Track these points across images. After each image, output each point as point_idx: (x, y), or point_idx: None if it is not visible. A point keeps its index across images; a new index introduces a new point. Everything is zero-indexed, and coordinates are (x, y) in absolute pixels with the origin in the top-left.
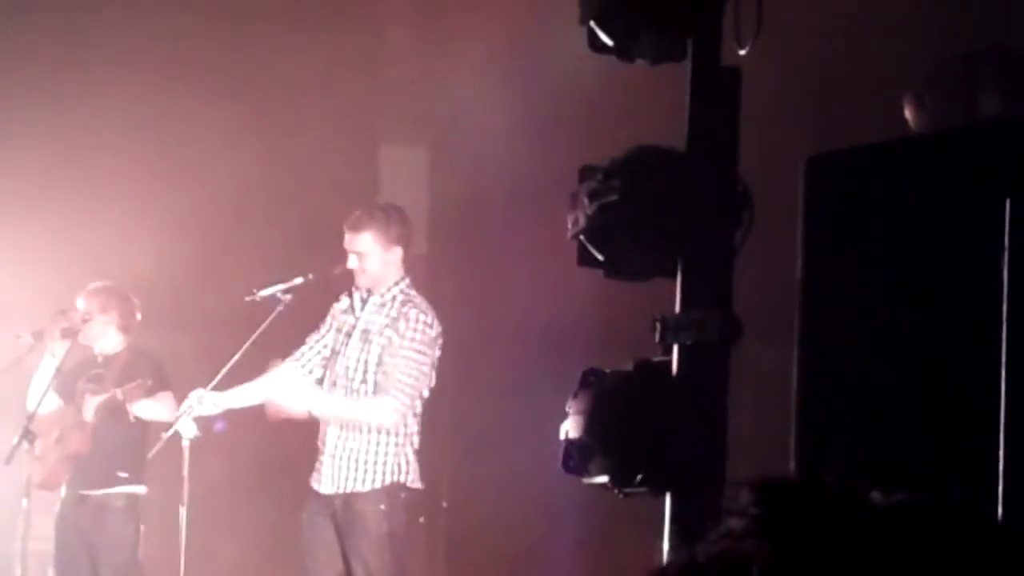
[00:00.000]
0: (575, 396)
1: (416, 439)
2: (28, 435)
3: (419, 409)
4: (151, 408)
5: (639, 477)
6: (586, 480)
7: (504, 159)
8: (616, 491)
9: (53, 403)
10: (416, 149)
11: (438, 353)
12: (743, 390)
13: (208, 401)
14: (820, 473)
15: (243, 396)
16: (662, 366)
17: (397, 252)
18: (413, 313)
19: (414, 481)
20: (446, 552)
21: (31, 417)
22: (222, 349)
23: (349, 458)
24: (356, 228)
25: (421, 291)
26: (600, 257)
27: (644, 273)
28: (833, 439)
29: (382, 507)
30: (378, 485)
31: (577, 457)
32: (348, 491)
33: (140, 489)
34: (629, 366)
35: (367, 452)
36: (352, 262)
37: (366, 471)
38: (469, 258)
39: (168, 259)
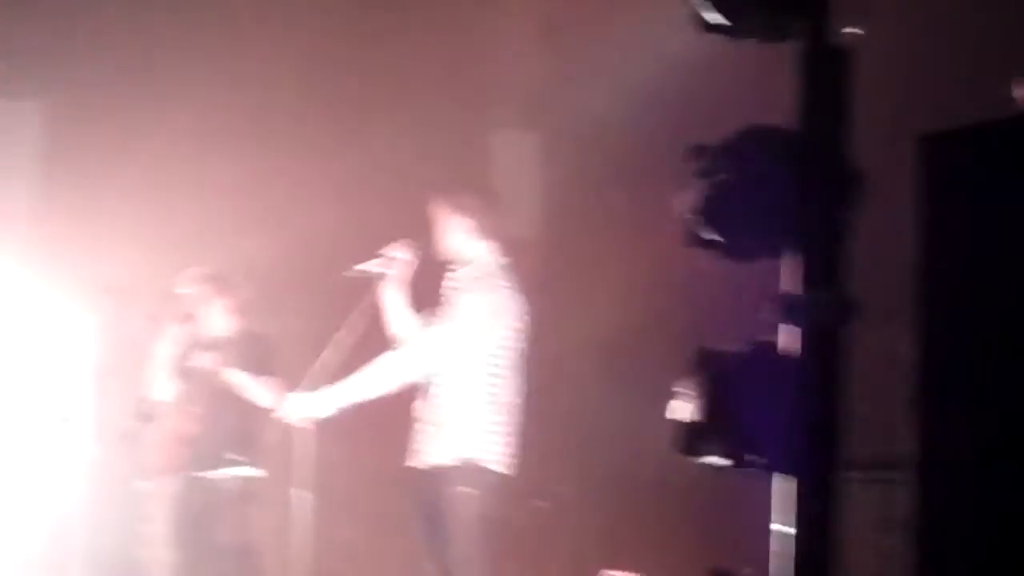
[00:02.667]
0: (688, 376)
1: (503, 423)
2: (144, 418)
3: (503, 393)
4: (254, 390)
5: (751, 457)
6: (699, 460)
7: (615, 141)
8: (728, 472)
9: (168, 386)
10: (528, 134)
11: (503, 331)
12: (853, 371)
13: (316, 406)
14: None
15: (354, 391)
16: (774, 346)
17: (470, 224)
18: (482, 284)
19: (499, 465)
20: (564, 537)
21: (147, 400)
22: (330, 329)
23: (430, 429)
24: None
25: (531, 274)
26: (710, 237)
27: (755, 253)
28: (950, 419)
29: (470, 490)
30: (455, 460)
31: (688, 437)
32: (430, 464)
33: (253, 471)
34: (744, 347)
35: (447, 424)
36: (435, 233)
37: (446, 442)
38: (580, 241)
39: (278, 242)
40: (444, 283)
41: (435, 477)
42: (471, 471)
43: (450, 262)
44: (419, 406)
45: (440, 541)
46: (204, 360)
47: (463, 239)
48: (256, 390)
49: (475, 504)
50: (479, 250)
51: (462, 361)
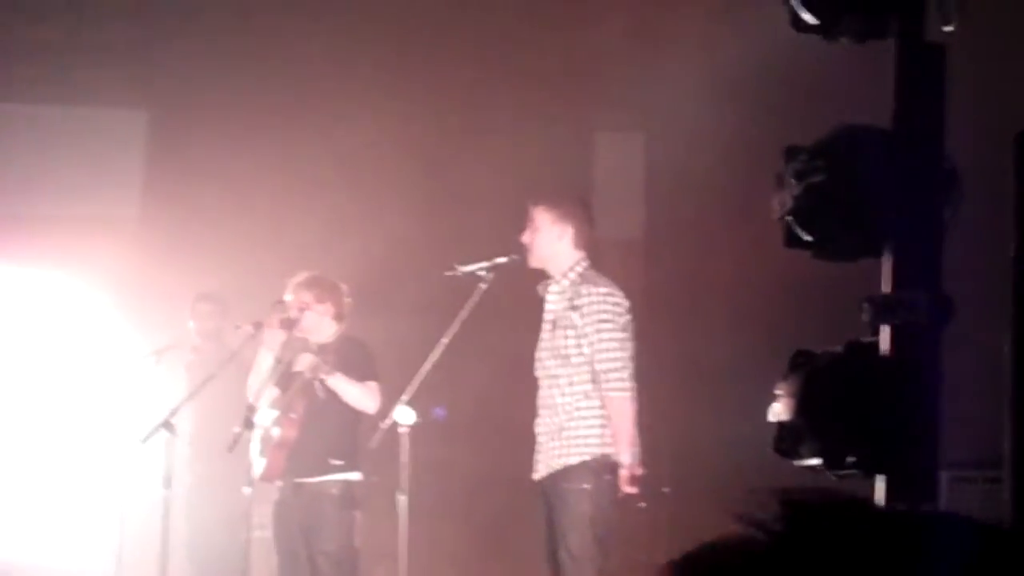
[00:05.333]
0: (785, 378)
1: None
2: (249, 425)
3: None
4: (354, 395)
5: (851, 459)
6: (798, 462)
7: (714, 143)
8: (828, 473)
9: (271, 393)
10: (631, 135)
11: (626, 319)
12: (953, 371)
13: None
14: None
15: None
16: (872, 347)
17: (568, 232)
18: (585, 289)
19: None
20: (667, 539)
21: (251, 407)
22: (429, 333)
23: (552, 437)
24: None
25: (636, 275)
26: (807, 238)
27: (852, 253)
28: None
29: (585, 486)
30: (587, 457)
31: (788, 439)
32: (557, 469)
33: (355, 476)
34: (839, 348)
35: (572, 428)
36: (525, 237)
37: (571, 445)
38: (682, 242)
39: (376, 248)
40: (546, 294)
41: (553, 476)
42: (591, 468)
43: (544, 269)
44: (538, 423)
45: (553, 538)
46: (306, 366)
47: (558, 246)
48: (357, 395)
49: (588, 501)
50: (574, 258)
51: (579, 365)
